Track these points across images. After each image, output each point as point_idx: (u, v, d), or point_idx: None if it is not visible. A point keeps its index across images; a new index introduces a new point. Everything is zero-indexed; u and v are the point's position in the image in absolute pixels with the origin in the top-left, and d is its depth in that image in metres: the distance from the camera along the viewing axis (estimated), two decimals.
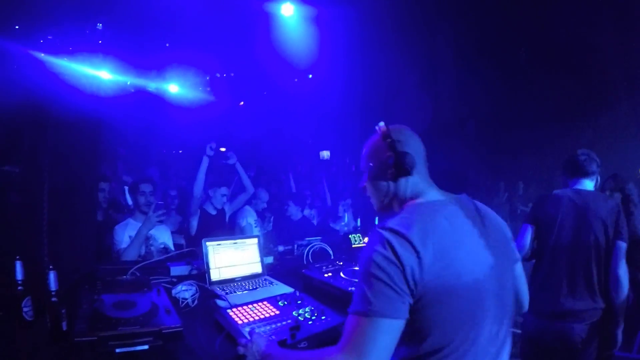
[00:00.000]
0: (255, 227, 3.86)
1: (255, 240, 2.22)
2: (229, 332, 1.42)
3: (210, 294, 1.81)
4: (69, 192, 1.94)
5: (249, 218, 3.88)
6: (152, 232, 2.70)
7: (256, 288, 1.94)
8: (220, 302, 1.68)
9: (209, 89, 7.24)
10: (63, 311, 1.40)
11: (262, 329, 1.39)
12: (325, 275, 1.99)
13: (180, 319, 1.36)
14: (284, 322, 1.47)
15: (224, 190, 3.58)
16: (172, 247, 2.95)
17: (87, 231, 2.24)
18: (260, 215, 4.16)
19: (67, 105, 1.96)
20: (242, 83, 7.40)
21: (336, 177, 6.96)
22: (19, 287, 1.48)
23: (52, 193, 1.75)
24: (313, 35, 4.86)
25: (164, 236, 2.92)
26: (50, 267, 1.43)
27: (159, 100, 6.78)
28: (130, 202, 3.50)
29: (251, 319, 1.49)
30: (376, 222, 2.39)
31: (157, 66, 6.10)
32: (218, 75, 7.19)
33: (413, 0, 4.63)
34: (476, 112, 6.19)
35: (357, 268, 1.96)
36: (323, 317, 1.52)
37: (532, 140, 6.25)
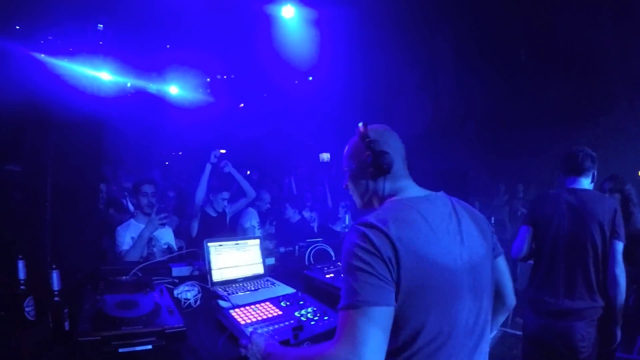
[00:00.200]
0: (258, 229, 3.86)
1: (257, 241, 2.22)
2: (232, 333, 1.42)
3: (213, 295, 1.81)
4: (71, 192, 1.94)
5: (253, 220, 3.88)
6: (154, 233, 2.70)
7: (258, 289, 1.94)
8: (222, 303, 1.68)
9: (209, 90, 7.23)
10: (66, 311, 1.39)
11: (265, 329, 1.39)
12: (327, 276, 2.00)
13: (183, 319, 1.36)
14: (287, 323, 1.46)
15: (225, 194, 3.58)
16: (175, 247, 2.95)
17: (89, 231, 2.24)
18: (263, 217, 4.15)
19: (68, 105, 1.96)
20: (242, 85, 7.38)
21: (337, 178, 6.94)
22: (21, 287, 1.48)
23: (54, 192, 1.75)
24: (313, 38, 4.86)
25: (167, 236, 2.91)
26: (53, 266, 1.43)
27: (159, 102, 6.76)
28: (131, 207, 3.50)
29: (254, 320, 1.49)
30: None
31: (158, 67, 6.09)
32: (219, 76, 7.17)
33: (413, 1, 4.63)
34: (476, 113, 6.17)
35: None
36: (325, 318, 1.52)
37: (532, 141, 6.23)
